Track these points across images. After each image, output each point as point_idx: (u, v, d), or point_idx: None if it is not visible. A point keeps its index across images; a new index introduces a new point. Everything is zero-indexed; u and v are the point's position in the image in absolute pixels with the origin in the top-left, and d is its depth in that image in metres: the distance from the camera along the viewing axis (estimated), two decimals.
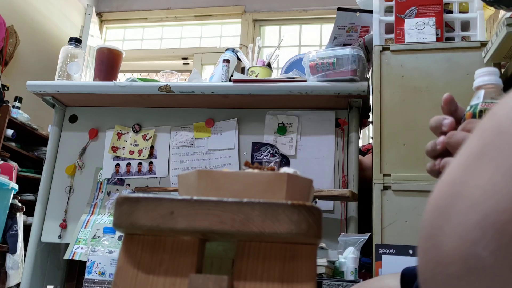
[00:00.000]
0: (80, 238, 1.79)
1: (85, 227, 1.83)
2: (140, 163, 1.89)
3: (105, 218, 1.83)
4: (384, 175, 1.43)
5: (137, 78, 1.93)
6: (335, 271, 1.32)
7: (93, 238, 1.76)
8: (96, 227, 1.80)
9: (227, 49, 2.07)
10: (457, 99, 0.62)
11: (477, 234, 0.25)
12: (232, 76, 1.84)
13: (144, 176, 1.87)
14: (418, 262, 0.30)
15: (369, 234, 1.40)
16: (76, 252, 1.75)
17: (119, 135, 1.93)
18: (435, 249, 0.28)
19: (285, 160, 1.77)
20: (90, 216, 1.86)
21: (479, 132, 0.29)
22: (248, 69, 1.94)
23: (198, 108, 1.89)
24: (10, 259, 2.62)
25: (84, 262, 1.83)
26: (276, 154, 1.77)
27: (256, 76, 1.87)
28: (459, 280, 0.25)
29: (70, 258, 1.75)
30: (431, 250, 0.28)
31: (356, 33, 1.81)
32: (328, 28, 4.26)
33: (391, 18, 1.61)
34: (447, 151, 0.58)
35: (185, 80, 2.15)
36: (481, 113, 0.60)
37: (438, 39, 1.54)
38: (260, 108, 1.83)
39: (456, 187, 0.28)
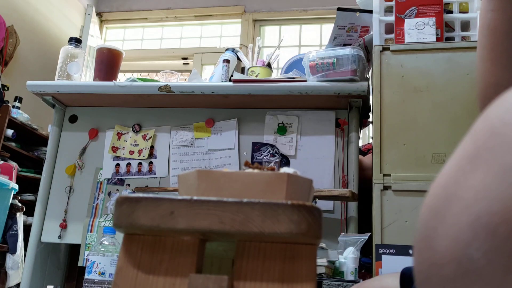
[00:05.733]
0: (89, 243, 1.80)
1: (90, 231, 1.83)
2: (140, 163, 1.89)
3: (108, 222, 1.84)
4: (384, 175, 1.43)
5: (137, 78, 1.93)
6: (335, 271, 1.32)
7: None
8: (101, 231, 1.80)
9: (227, 49, 2.07)
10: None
11: (469, 235, 0.25)
12: (232, 76, 1.84)
13: (144, 176, 1.87)
14: (413, 263, 0.30)
15: (369, 234, 1.40)
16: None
17: (119, 135, 1.93)
18: (430, 250, 0.28)
19: (285, 160, 1.77)
20: (93, 218, 1.86)
21: (472, 134, 0.29)
22: (248, 69, 1.94)
23: (198, 108, 1.89)
24: (10, 259, 2.62)
25: None
26: (276, 154, 1.77)
27: (256, 76, 1.87)
28: (454, 281, 0.25)
29: (84, 265, 1.75)
30: (425, 251, 0.28)
31: (356, 33, 1.81)
32: (328, 28, 4.26)
33: (391, 18, 1.61)
34: None
35: (185, 80, 2.15)
36: None
37: (438, 39, 1.54)
38: (260, 108, 1.83)
39: (449, 189, 0.28)
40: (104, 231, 1.47)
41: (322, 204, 1.65)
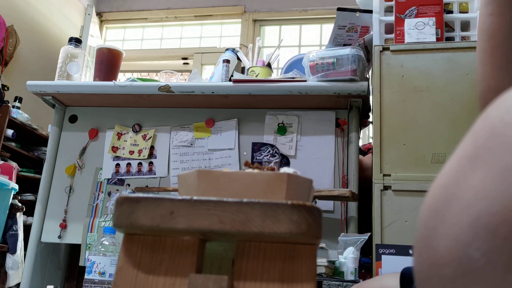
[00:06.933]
0: (89, 243, 1.80)
1: (90, 231, 1.83)
2: (140, 163, 1.89)
3: (108, 222, 1.83)
4: (384, 175, 1.43)
5: (137, 78, 1.93)
6: (335, 271, 1.32)
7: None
8: (101, 231, 1.79)
9: (227, 49, 2.07)
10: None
11: (469, 235, 0.25)
12: (232, 76, 1.84)
13: (144, 176, 1.87)
14: (413, 263, 0.30)
15: (369, 234, 1.40)
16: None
17: (119, 135, 1.93)
18: (430, 250, 0.28)
19: (285, 160, 1.77)
20: (93, 218, 1.86)
21: (472, 134, 0.29)
22: (248, 69, 1.94)
23: (198, 108, 1.89)
24: (10, 259, 2.62)
25: None
26: (276, 154, 1.77)
27: (256, 76, 1.87)
28: (454, 281, 0.25)
29: (86, 264, 1.75)
30: (425, 251, 0.28)
31: (356, 33, 1.81)
32: (328, 28, 4.26)
33: (391, 18, 1.61)
34: None
35: (185, 80, 2.15)
36: None
37: (438, 39, 1.54)
38: (260, 108, 1.83)
39: (449, 189, 0.28)
40: (104, 231, 1.47)
41: (322, 204, 1.65)
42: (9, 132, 3.13)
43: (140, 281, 0.50)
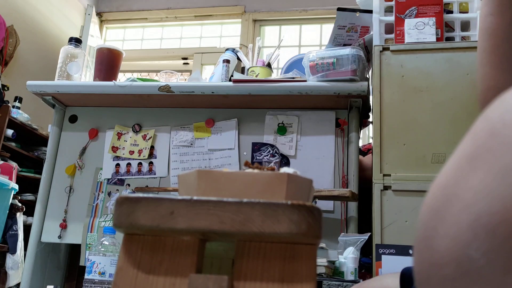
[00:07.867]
0: (89, 243, 1.80)
1: (90, 231, 1.83)
2: (140, 163, 1.89)
3: (108, 222, 1.83)
4: (384, 175, 1.43)
5: (137, 78, 1.93)
6: (335, 271, 1.32)
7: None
8: (101, 231, 1.79)
9: (227, 49, 2.07)
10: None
11: (469, 235, 0.25)
12: (232, 76, 1.84)
13: (144, 176, 1.87)
14: (413, 264, 0.30)
15: (369, 234, 1.40)
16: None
17: (119, 135, 1.93)
18: (430, 250, 0.28)
19: (285, 160, 1.77)
20: (93, 218, 1.86)
21: (472, 134, 0.29)
22: (248, 69, 1.94)
23: (198, 108, 1.89)
24: (10, 259, 2.62)
25: None
26: (276, 154, 1.77)
27: (256, 76, 1.87)
28: (453, 281, 0.25)
29: (86, 264, 1.76)
30: (425, 252, 0.28)
31: (356, 33, 1.81)
32: (328, 28, 4.26)
33: (391, 18, 1.61)
34: None
35: (185, 80, 2.15)
36: None
37: (438, 39, 1.54)
38: (260, 108, 1.83)
39: (449, 189, 0.28)
40: (104, 231, 1.47)
41: (322, 204, 1.65)
42: (9, 132, 3.13)
43: (140, 281, 0.50)
